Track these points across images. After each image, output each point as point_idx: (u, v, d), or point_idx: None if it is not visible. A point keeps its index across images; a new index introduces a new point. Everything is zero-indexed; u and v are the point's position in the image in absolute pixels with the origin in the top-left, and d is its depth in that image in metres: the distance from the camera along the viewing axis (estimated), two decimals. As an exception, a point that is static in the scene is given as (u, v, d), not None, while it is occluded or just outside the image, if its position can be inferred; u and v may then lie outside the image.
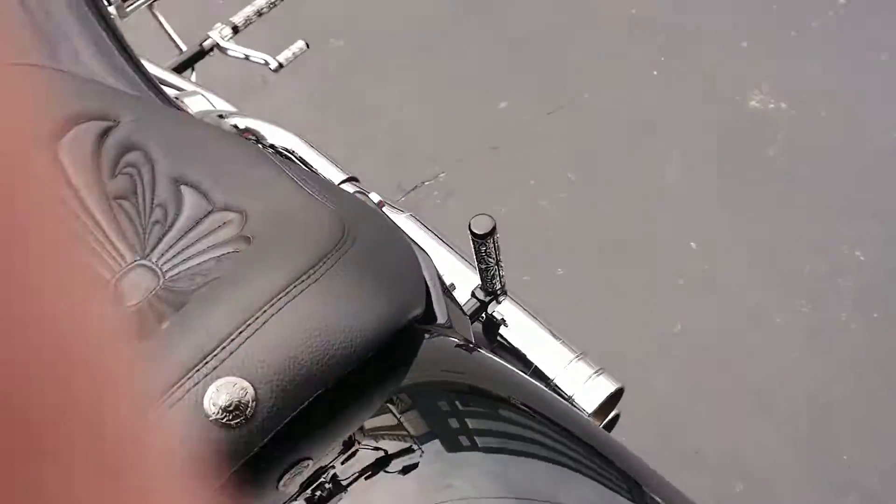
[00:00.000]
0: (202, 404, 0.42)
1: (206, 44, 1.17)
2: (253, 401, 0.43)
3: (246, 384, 0.43)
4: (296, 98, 1.80)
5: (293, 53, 1.14)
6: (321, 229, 0.49)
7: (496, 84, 1.81)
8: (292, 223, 0.50)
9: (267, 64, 1.12)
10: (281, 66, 1.13)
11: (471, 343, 0.60)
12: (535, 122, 1.76)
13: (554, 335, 0.75)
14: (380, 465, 0.46)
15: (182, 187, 0.54)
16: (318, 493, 0.44)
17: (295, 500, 0.44)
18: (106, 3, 0.96)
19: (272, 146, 0.89)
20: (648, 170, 1.68)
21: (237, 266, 0.49)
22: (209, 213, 0.53)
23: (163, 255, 0.52)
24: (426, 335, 0.55)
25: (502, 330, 0.76)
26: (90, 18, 0.71)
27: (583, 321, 1.40)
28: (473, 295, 0.73)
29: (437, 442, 0.48)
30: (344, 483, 0.45)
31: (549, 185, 1.67)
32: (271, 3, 1.22)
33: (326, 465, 0.45)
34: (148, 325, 0.47)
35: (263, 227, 0.50)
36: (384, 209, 0.75)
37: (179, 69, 1.14)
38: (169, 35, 1.19)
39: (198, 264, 0.51)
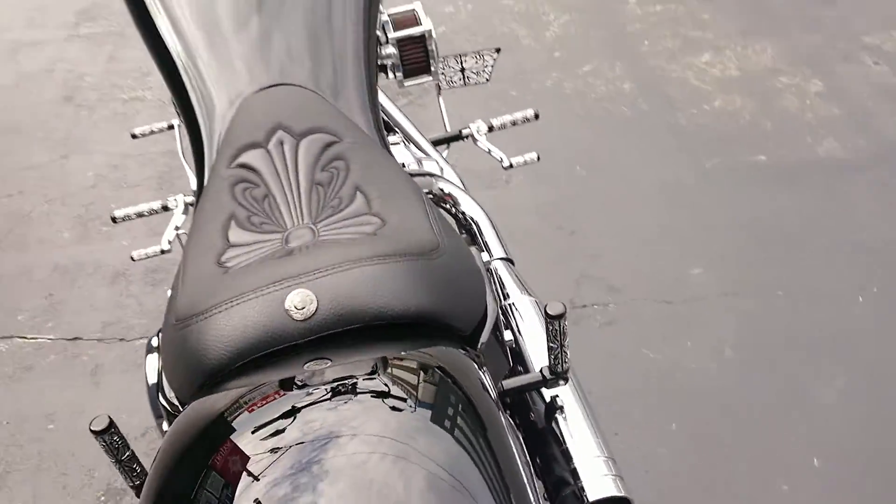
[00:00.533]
0: (284, 301, 0.69)
1: (465, 132, 1.58)
2: (315, 309, 0.70)
3: (314, 297, 0.70)
4: (523, 205, 2.24)
5: (525, 160, 1.53)
6: (421, 243, 0.76)
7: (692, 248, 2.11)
8: (407, 233, 0.77)
9: (501, 161, 1.49)
10: (511, 166, 1.51)
11: (485, 385, 0.71)
12: (715, 295, 1.97)
13: (595, 429, 0.83)
14: (370, 394, 0.63)
15: (357, 192, 0.83)
16: (323, 386, 0.64)
17: (306, 384, 0.65)
18: (390, 75, 1.44)
19: (462, 212, 1.22)
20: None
21: (355, 242, 0.76)
22: (364, 214, 0.81)
23: (324, 225, 0.81)
24: (461, 350, 0.73)
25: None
26: (362, 74, 1.04)
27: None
28: (541, 372, 0.81)
29: (418, 412, 0.63)
30: (339, 389, 0.63)
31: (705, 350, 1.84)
32: (525, 119, 1.61)
33: (339, 373, 0.65)
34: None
35: (388, 230, 0.78)
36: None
37: (437, 143, 1.58)
38: (441, 114, 1.63)
39: (338, 237, 0.78)
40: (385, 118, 1.53)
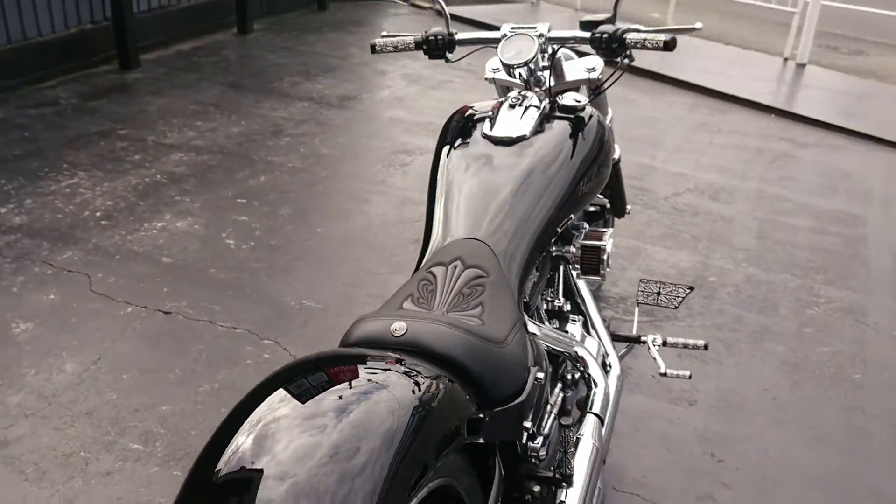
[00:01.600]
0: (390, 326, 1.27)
1: (643, 337, 2.19)
2: (403, 334, 1.25)
3: (405, 327, 1.26)
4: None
5: (678, 374, 2.07)
6: (492, 336, 1.33)
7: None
8: (487, 329, 1.34)
9: (659, 368, 2.04)
10: (665, 374, 2.04)
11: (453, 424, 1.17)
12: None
13: None
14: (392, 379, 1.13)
15: (481, 306, 1.41)
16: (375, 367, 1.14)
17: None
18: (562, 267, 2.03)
19: (588, 374, 1.84)
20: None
21: (454, 321, 1.31)
22: (476, 318, 1.35)
23: (451, 312, 1.36)
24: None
25: None
26: (526, 251, 1.67)
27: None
28: None
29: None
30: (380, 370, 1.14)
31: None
32: (695, 346, 2.19)
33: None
34: None
35: (478, 326, 1.33)
36: None
37: (617, 338, 2.19)
38: (634, 319, 2.35)
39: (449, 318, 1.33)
40: (580, 303, 2.08)
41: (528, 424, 1.43)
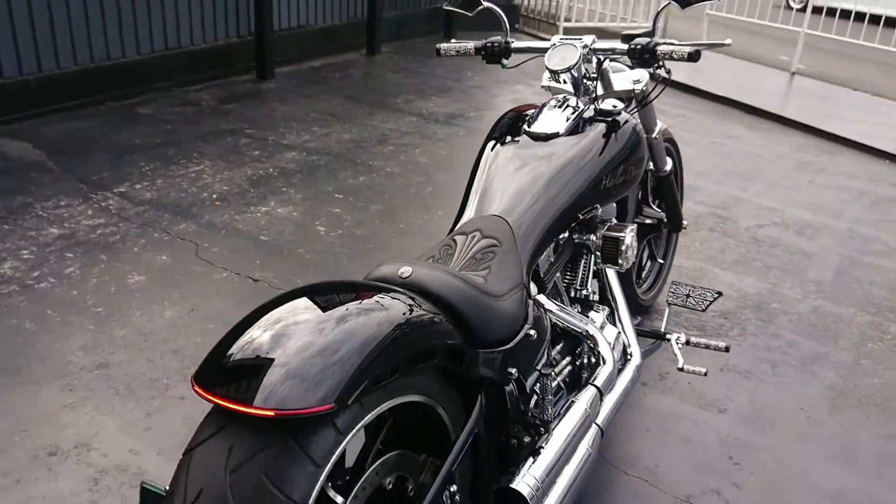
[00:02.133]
0: (399, 269, 1.55)
1: (668, 335, 2.39)
2: (408, 276, 1.53)
3: (411, 271, 1.53)
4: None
5: (693, 370, 2.25)
6: (488, 290, 1.59)
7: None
8: (488, 285, 1.61)
9: (677, 362, 2.27)
10: (682, 370, 2.26)
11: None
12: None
13: None
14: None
15: (489, 268, 1.67)
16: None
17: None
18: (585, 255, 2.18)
19: (596, 351, 2.03)
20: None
21: (460, 274, 1.56)
22: (482, 278, 1.62)
23: (460, 268, 1.68)
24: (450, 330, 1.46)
25: None
26: (542, 229, 1.87)
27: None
28: None
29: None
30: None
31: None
32: (717, 347, 2.35)
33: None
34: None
35: (481, 281, 1.60)
36: None
37: (643, 333, 2.38)
38: (664, 319, 2.53)
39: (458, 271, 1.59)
40: (609, 296, 2.24)
41: (512, 371, 1.62)
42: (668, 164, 2.70)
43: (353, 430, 1.29)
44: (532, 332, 1.70)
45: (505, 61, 2.31)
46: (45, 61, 4.80)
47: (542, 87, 2.36)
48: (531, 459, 1.64)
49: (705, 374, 2.25)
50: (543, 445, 1.68)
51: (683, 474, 2.21)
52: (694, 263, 3.59)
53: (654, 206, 2.93)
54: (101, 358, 2.54)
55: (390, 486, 1.44)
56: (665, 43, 2.05)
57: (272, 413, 1.16)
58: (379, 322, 1.32)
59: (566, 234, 2.09)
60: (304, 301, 1.34)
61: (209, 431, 1.23)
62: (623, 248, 2.07)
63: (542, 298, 1.95)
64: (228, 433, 1.21)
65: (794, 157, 5.36)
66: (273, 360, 1.22)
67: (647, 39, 2.07)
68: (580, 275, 2.17)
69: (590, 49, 2.15)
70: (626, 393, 2.13)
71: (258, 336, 1.26)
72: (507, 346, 1.61)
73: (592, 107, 2.13)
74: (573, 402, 1.84)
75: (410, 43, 7.97)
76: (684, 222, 2.98)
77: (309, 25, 6.91)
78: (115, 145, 4.46)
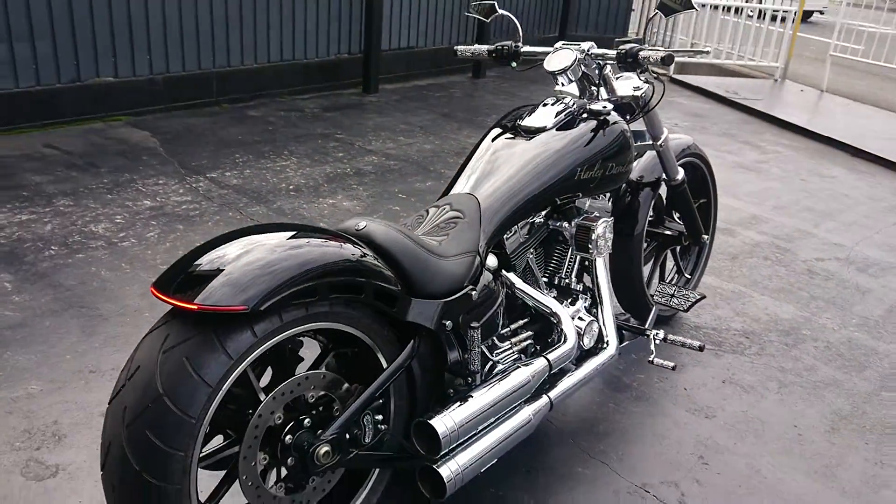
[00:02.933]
0: (358, 223, 1.81)
1: (648, 332, 2.46)
2: (361, 229, 1.77)
3: (365, 224, 1.78)
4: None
5: (663, 364, 2.37)
6: (435, 251, 1.83)
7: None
8: (440, 247, 1.86)
9: (648, 356, 2.42)
10: (652, 362, 2.41)
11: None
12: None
13: None
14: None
15: (448, 234, 1.93)
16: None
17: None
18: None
19: (562, 331, 2.15)
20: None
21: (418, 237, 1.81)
22: (439, 243, 1.89)
23: (422, 233, 1.92)
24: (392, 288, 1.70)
25: None
26: (508, 211, 2.08)
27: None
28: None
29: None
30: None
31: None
32: (691, 346, 2.43)
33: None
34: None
35: (434, 245, 1.84)
36: None
37: (624, 327, 2.51)
38: (648, 321, 2.80)
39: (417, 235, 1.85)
40: (595, 289, 2.34)
41: (447, 323, 1.81)
42: (680, 174, 2.78)
43: (273, 340, 1.53)
44: (473, 292, 1.88)
45: (514, 64, 2.51)
46: (172, 64, 5.45)
47: (556, 90, 2.54)
48: (458, 403, 1.81)
49: (673, 368, 2.32)
50: (473, 395, 1.85)
51: (647, 465, 2.28)
52: (733, 286, 3.58)
53: (675, 219, 3.01)
54: (155, 304, 2.92)
55: (313, 400, 1.67)
56: (647, 49, 2.18)
57: (195, 307, 1.42)
58: (316, 254, 1.57)
59: (541, 220, 2.25)
60: (265, 234, 1.60)
61: (158, 324, 1.51)
62: (593, 237, 2.21)
63: (511, 276, 2.13)
64: (169, 325, 1.49)
65: (889, 199, 5.14)
66: (221, 269, 1.48)
67: (633, 45, 2.21)
68: (565, 265, 2.32)
69: (587, 54, 2.31)
70: (591, 376, 2.24)
71: (214, 252, 1.53)
72: (444, 300, 1.80)
73: (584, 106, 2.29)
74: (518, 367, 1.99)
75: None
76: (704, 236, 3.03)
77: (418, 47, 7.34)
78: (219, 139, 4.99)
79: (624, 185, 2.79)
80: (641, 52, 2.18)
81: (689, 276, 3.22)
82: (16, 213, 3.60)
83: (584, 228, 2.21)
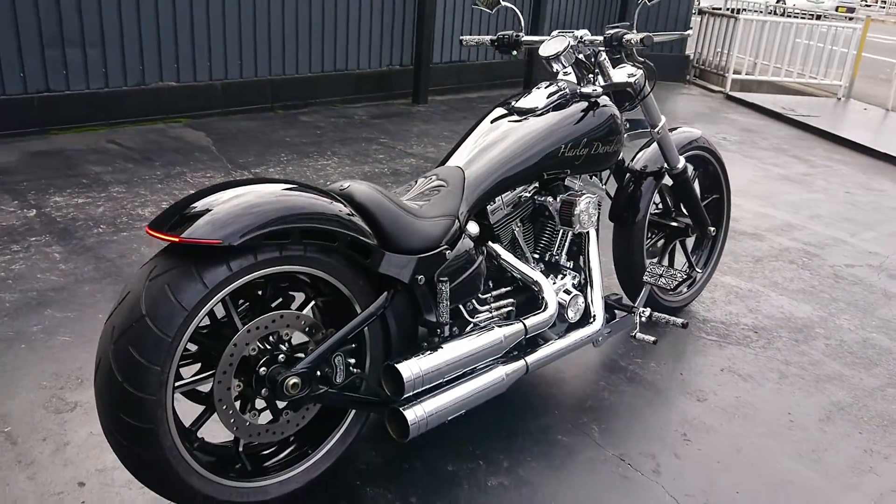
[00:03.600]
0: (343, 184, 1.94)
1: (635, 309, 2.59)
2: (343, 189, 1.92)
3: (348, 185, 1.93)
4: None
5: (645, 339, 2.51)
6: (413, 213, 1.97)
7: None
8: (421, 210, 2.01)
9: (630, 331, 2.58)
10: (634, 337, 2.55)
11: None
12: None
13: None
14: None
15: (430, 200, 2.07)
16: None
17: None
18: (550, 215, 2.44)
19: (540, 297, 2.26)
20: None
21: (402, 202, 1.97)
22: (422, 206, 2.04)
23: (408, 199, 2.08)
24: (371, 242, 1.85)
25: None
26: (490, 183, 2.21)
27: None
28: None
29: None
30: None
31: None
32: (674, 324, 2.62)
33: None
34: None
35: (417, 206, 2.01)
36: None
37: (610, 305, 2.60)
38: (639, 297, 2.74)
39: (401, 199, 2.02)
40: (584, 266, 2.45)
41: (420, 278, 1.95)
42: (681, 163, 2.84)
43: (248, 276, 1.70)
44: (448, 251, 2.01)
45: (515, 52, 2.64)
46: (230, 71, 5.80)
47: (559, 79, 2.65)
48: (428, 353, 1.94)
49: (654, 343, 2.39)
50: (443, 347, 1.97)
51: (628, 439, 2.34)
52: (751, 285, 3.58)
53: (684, 212, 3.06)
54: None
55: (288, 338, 1.82)
56: (631, 34, 2.28)
57: (178, 239, 1.60)
58: (294, 202, 1.74)
59: (528, 195, 2.36)
60: (256, 185, 1.78)
61: (150, 259, 1.70)
62: (576, 211, 2.30)
63: (496, 247, 2.25)
64: (158, 258, 1.68)
65: (936, 213, 5.00)
66: (208, 210, 1.66)
67: (618, 30, 2.31)
68: (556, 242, 2.42)
69: (580, 41, 2.43)
70: (573, 347, 2.33)
71: (206, 197, 1.71)
72: (418, 256, 1.94)
73: (576, 90, 2.40)
74: (493, 327, 2.10)
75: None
76: (711, 229, 3.06)
77: (469, 61, 7.55)
78: (269, 141, 5.28)
79: (627, 174, 2.87)
80: (625, 36, 2.28)
81: (699, 271, 3.25)
82: (74, 197, 3.93)
83: (568, 203, 2.31)
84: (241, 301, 1.86)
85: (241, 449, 1.87)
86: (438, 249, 1.99)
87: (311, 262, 1.80)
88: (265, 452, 1.98)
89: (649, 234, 3.03)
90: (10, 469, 1.98)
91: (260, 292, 1.85)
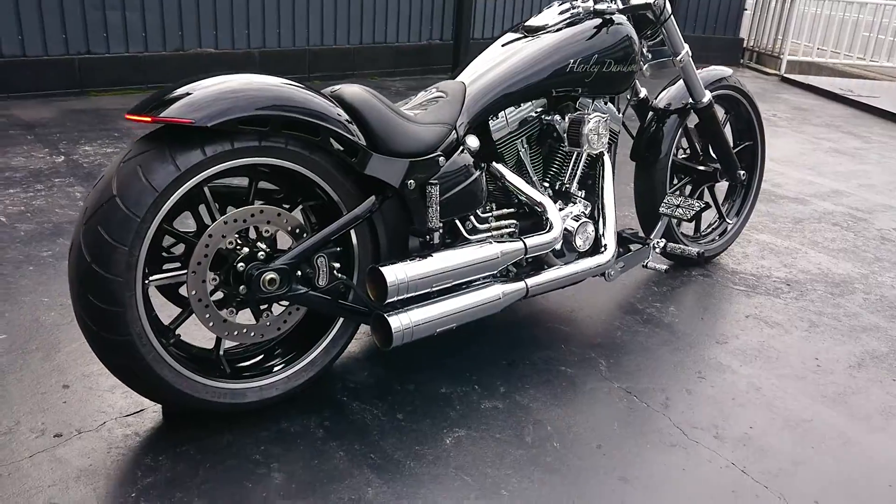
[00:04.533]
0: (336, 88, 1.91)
1: (649, 241, 2.51)
2: (335, 92, 1.88)
3: (340, 89, 1.87)
4: None
5: (657, 268, 2.45)
6: (408, 118, 1.92)
7: None
8: (417, 116, 1.99)
9: (644, 261, 2.48)
10: (646, 266, 2.49)
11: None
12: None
13: None
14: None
15: (429, 106, 2.05)
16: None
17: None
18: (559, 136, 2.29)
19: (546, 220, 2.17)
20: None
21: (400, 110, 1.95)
22: (420, 113, 2.02)
23: (408, 109, 2.05)
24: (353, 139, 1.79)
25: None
26: (493, 96, 2.14)
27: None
28: None
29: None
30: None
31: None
32: (689, 255, 2.59)
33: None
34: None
35: (417, 112, 2.00)
36: None
37: (623, 239, 2.51)
38: (656, 229, 2.64)
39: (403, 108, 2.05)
40: (599, 190, 2.33)
41: (410, 182, 1.87)
42: (707, 97, 2.69)
43: (224, 164, 1.65)
44: (441, 158, 1.92)
45: None
46: (269, 39, 5.83)
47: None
48: (417, 259, 1.85)
49: (666, 271, 2.26)
50: (433, 255, 1.88)
51: (637, 374, 2.21)
52: (789, 243, 3.39)
53: (712, 155, 2.91)
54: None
55: (269, 235, 1.76)
56: None
57: (149, 119, 1.56)
58: (276, 91, 1.69)
59: (535, 114, 2.25)
60: (251, 76, 1.73)
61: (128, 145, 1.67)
62: (585, 130, 2.19)
63: (500, 167, 2.15)
64: (134, 142, 1.64)
65: None
66: (188, 94, 1.61)
67: None
68: (568, 170, 2.31)
69: None
70: (578, 276, 2.22)
71: (193, 83, 1.66)
72: (409, 160, 1.86)
73: (590, 8, 2.29)
74: (490, 241, 2.00)
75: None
76: (741, 172, 2.90)
77: (511, 38, 7.44)
78: (302, 106, 5.27)
79: (650, 112, 2.74)
80: None
81: (730, 221, 3.09)
82: (103, 147, 3.97)
83: (577, 122, 2.20)
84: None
85: (221, 353, 1.82)
86: (432, 156, 1.91)
87: (293, 158, 1.74)
88: (248, 361, 1.92)
89: (675, 179, 2.88)
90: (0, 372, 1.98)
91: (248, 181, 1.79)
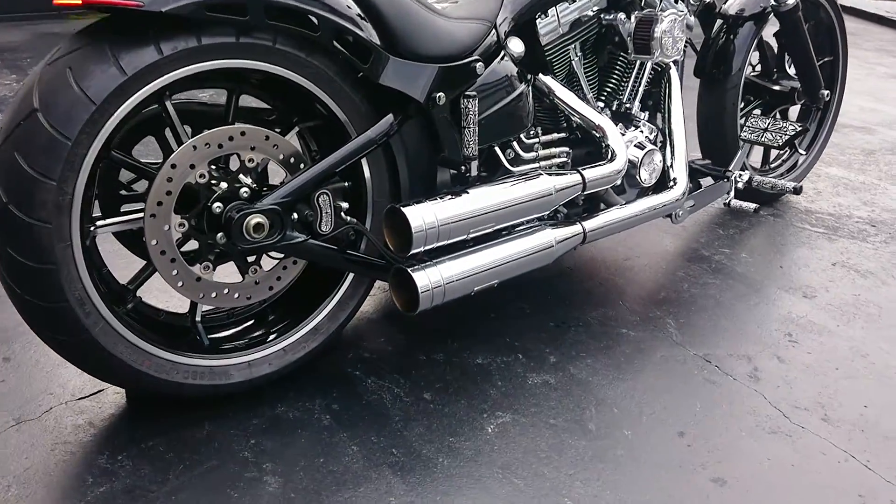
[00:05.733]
0: None
1: (729, 174, 2.04)
2: None
3: None
4: None
5: (742, 206, 2.01)
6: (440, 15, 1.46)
7: None
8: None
9: (725, 198, 2.05)
10: (728, 204, 2.03)
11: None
12: None
13: None
14: None
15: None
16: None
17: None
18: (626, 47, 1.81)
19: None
20: None
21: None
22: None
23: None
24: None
25: None
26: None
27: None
28: None
29: None
30: None
31: None
32: (784, 189, 2.15)
33: None
34: None
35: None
36: None
37: (695, 170, 2.07)
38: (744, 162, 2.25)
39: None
40: (666, 114, 1.89)
41: (439, 95, 1.43)
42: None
43: (188, 67, 1.21)
44: (479, 65, 1.48)
45: None
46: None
47: None
48: (448, 196, 1.42)
49: (755, 211, 1.83)
50: (469, 191, 1.45)
51: (715, 336, 1.80)
52: (864, 178, 2.94)
53: (789, 73, 2.44)
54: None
55: (253, 165, 1.33)
56: None
57: (81, 1, 1.12)
58: None
59: (592, 12, 1.78)
60: None
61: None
62: (657, 33, 1.72)
63: (549, 80, 1.70)
64: (67, 39, 1.20)
65: None
66: None
67: None
68: (628, 87, 1.85)
69: None
70: (646, 217, 1.80)
71: None
72: (438, 65, 1.41)
73: None
74: (541, 174, 1.57)
75: None
76: (824, 92, 2.43)
77: None
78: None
79: (719, 21, 2.26)
80: None
81: (802, 153, 2.63)
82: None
83: (646, 21, 1.73)
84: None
85: (197, 320, 1.41)
86: (467, 60, 1.46)
87: (283, 61, 1.29)
88: (232, 330, 1.51)
89: (743, 101, 2.41)
90: (-76, 340, 1.57)
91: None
